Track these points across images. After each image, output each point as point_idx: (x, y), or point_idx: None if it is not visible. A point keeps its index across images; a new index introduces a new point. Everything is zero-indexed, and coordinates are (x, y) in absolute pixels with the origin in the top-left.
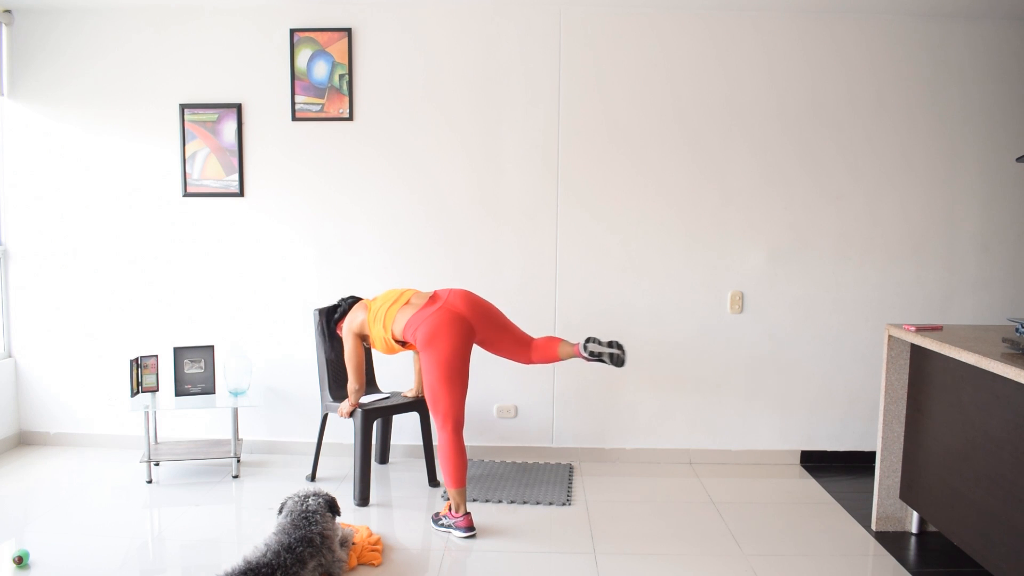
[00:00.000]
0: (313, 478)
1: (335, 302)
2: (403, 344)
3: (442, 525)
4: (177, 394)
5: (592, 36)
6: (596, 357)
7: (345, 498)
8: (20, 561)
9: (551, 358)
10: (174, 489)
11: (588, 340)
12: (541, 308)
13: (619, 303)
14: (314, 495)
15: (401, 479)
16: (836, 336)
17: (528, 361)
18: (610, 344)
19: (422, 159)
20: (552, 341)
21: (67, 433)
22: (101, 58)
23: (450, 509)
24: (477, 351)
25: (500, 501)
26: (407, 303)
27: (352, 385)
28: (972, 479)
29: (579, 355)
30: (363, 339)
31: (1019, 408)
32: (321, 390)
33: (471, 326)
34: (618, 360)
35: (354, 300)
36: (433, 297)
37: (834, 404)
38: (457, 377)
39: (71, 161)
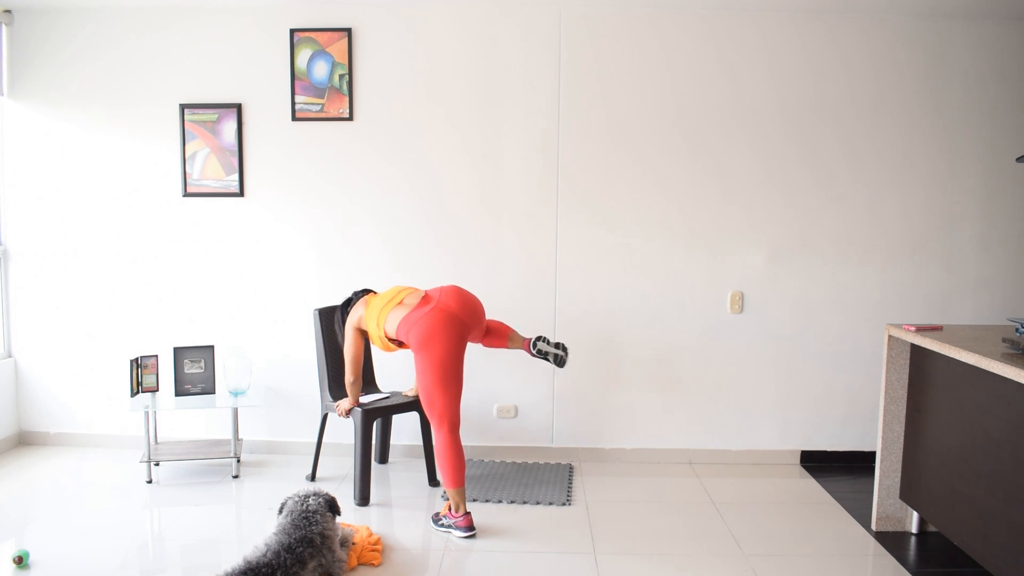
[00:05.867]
0: (313, 478)
1: (349, 295)
2: (398, 344)
3: (442, 525)
4: (177, 394)
5: (592, 35)
6: (542, 355)
7: (345, 498)
8: (20, 561)
9: (500, 344)
10: (174, 489)
11: (538, 339)
12: (541, 308)
13: (619, 303)
14: (314, 495)
15: (401, 479)
16: (836, 336)
17: (480, 343)
18: (557, 345)
19: (422, 159)
20: (504, 327)
21: (67, 433)
22: (101, 58)
23: (450, 509)
24: (479, 353)
25: (500, 501)
26: (400, 303)
27: (348, 377)
28: (972, 479)
29: (527, 350)
30: (364, 334)
31: (1019, 408)
32: (321, 390)
33: (466, 325)
34: (560, 361)
35: (365, 292)
36: (425, 298)
37: (834, 404)
38: (451, 379)
39: (71, 161)
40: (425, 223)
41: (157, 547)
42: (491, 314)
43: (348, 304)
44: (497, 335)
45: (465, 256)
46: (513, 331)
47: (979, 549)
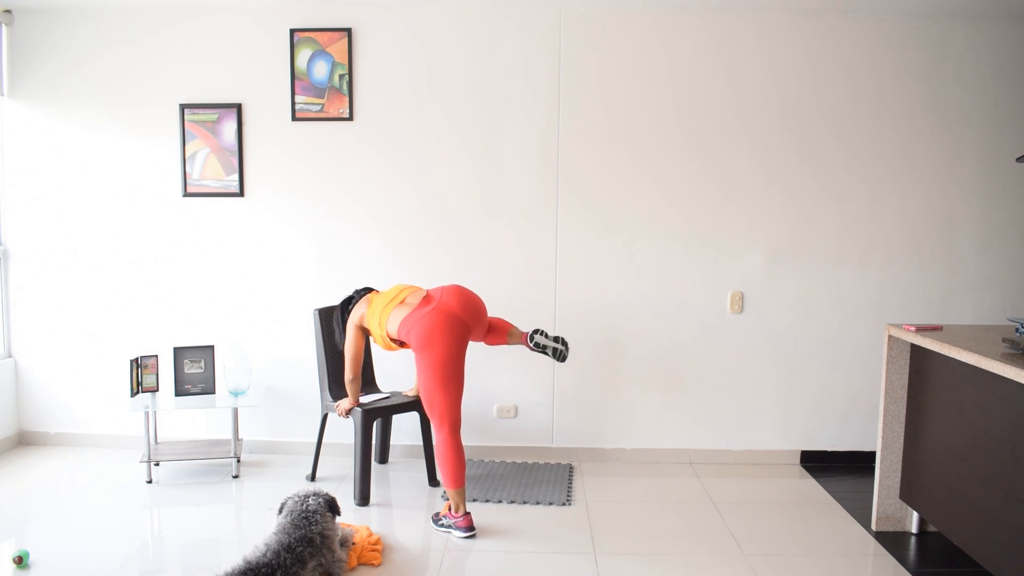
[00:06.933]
0: (313, 478)
1: (350, 293)
2: (400, 343)
3: (442, 525)
4: (177, 394)
5: (592, 35)
6: (540, 349)
7: (345, 498)
8: (20, 561)
9: (500, 341)
10: (174, 489)
11: (536, 331)
12: (541, 308)
13: (619, 302)
14: (314, 495)
15: (401, 479)
16: (836, 336)
17: (481, 341)
18: (556, 339)
19: (422, 159)
20: (503, 323)
21: (67, 433)
22: (101, 58)
23: (450, 509)
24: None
25: (500, 501)
26: (402, 302)
27: (347, 375)
28: (972, 479)
29: (525, 344)
30: (365, 332)
31: (1019, 408)
32: (321, 390)
33: (467, 325)
34: (560, 356)
35: (367, 291)
36: (427, 297)
37: (834, 404)
38: (452, 379)
39: (71, 161)
40: (425, 223)
41: (157, 547)
42: (491, 314)
43: (349, 302)
44: (497, 332)
45: (465, 256)
46: (512, 326)
47: (979, 549)
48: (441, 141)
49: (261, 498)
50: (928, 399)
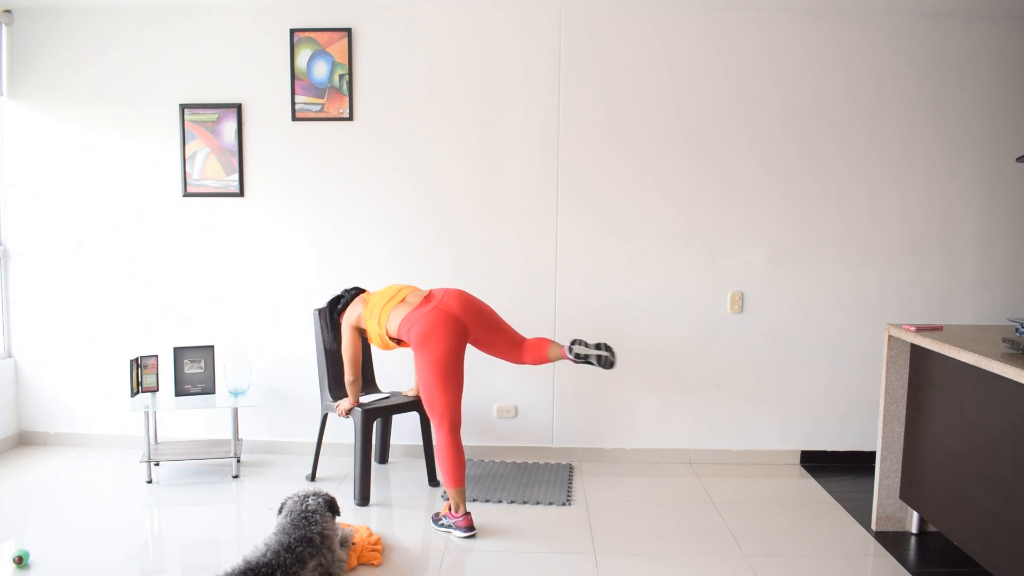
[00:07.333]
0: (313, 478)
1: (339, 292)
2: (398, 342)
3: (442, 525)
4: (177, 394)
5: (592, 35)
6: (583, 359)
7: (345, 498)
8: (20, 561)
9: (541, 359)
10: (174, 489)
11: (574, 342)
12: (541, 308)
13: (619, 303)
14: (314, 495)
15: (401, 479)
16: (836, 336)
17: (519, 361)
18: (597, 346)
19: (422, 159)
20: (543, 342)
21: (67, 433)
22: (101, 58)
23: (450, 509)
24: (471, 351)
25: (500, 501)
26: (402, 301)
27: (348, 377)
28: (972, 479)
29: (566, 357)
30: (361, 332)
31: (1019, 408)
32: (321, 390)
33: (465, 326)
34: (606, 362)
35: (357, 291)
36: (428, 297)
37: (834, 404)
38: (452, 377)
39: (71, 161)
40: (425, 223)
41: (157, 547)
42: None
43: (337, 302)
44: (535, 350)
45: (465, 256)
46: (552, 342)
47: (979, 549)
48: (441, 141)
49: (261, 498)
50: (928, 399)
